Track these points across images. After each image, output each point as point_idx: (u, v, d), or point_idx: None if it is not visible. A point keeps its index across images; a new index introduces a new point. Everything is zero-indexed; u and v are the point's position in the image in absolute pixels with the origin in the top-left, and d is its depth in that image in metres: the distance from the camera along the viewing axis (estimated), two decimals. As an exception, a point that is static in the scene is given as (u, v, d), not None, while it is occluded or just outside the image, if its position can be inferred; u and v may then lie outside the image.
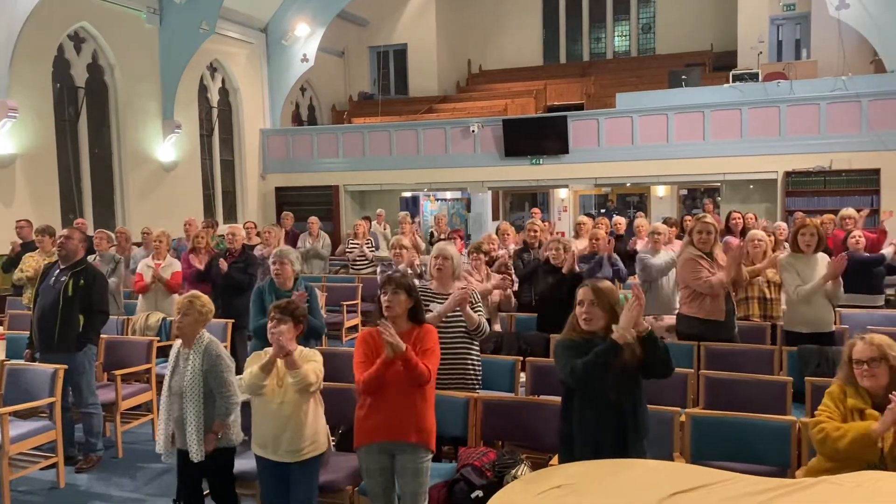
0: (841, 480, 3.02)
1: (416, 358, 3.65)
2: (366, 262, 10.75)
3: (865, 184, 12.53)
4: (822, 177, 12.77)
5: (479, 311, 4.83)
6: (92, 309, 5.74)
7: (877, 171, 12.43)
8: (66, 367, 5.49)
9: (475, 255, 6.68)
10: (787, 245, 6.98)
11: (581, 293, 3.47)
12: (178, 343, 4.34)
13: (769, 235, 7.34)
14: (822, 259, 5.80)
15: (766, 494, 2.90)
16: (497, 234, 9.33)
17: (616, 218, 10.01)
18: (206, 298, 4.37)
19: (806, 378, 4.87)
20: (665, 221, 8.81)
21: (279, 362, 3.83)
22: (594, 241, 7.65)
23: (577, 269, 6.53)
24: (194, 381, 4.11)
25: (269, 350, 3.92)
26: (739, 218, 9.11)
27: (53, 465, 5.44)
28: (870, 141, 12.49)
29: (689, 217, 10.55)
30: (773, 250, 6.75)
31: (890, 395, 3.28)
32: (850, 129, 12.67)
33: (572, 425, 3.49)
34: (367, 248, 10.77)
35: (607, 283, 3.56)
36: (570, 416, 3.50)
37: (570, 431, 3.49)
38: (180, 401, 4.12)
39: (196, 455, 4.05)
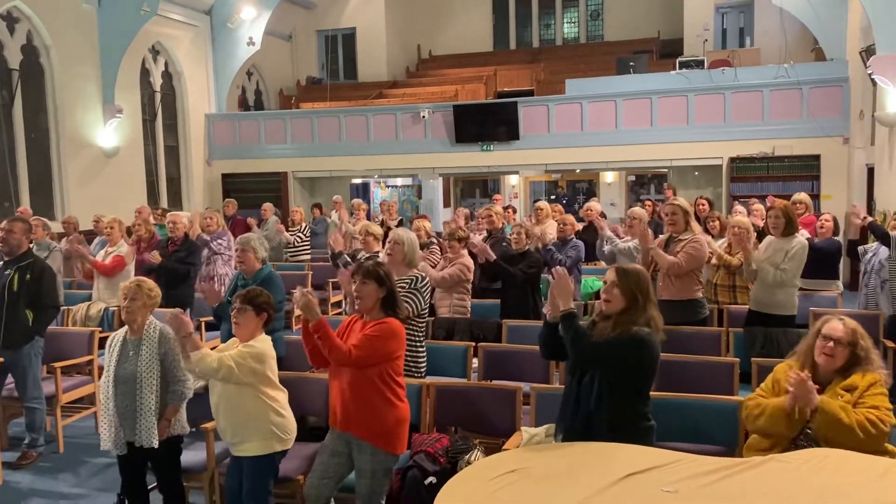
0: (788, 458, 3.08)
1: (332, 333, 3.51)
2: (294, 249, 10.89)
3: (807, 169, 12.85)
4: (766, 162, 13.06)
5: (411, 295, 4.70)
6: (42, 303, 5.54)
7: (817, 157, 12.76)
8: (1, 361, 5.31)
9: (451, 243, 6.50)
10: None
11: (606, 274, 3.45)
12: (121, 331, 4.23)
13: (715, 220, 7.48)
14: (798, 242, 5.71)
15: (718, 474, 2.95)
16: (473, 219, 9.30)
17: (588, 203, 9.96)
18: (152, 283, 4.31)
19: (752, 359, 4.93)
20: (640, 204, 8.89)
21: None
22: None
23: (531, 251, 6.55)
24: (150, 366, 4.05)
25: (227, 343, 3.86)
26: (705, 204, 9.16)
27: (-10, 463, 5.27)
28: (811, 127, 12.81)
29: (647, 202, 10.60)
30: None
31: (790, 373, 3.36)
32: (791, 115, 12.97)
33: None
34: (302, 235, 10.92)
35: (635, 267, 3.51)
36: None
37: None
38: (132, 389, 4.03)
39: (154, 441, 3.98)
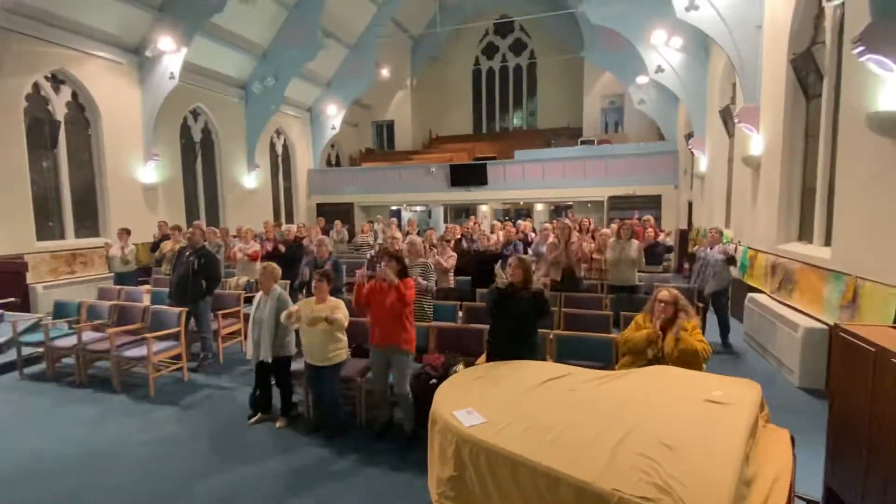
0: (641, 371, 3.06)
1: (403, 288, 3.61)
2: (367, 247, 10.70)
3: (653, 203, 12.71)
4: (629, 199, 12.93)
5: (432, 277, 4.74)
6: (210, 276, 5.50)
7: (659, 196, 12.65)
8: (187, 309, 5.25)
9: (441, 242, 6.48)
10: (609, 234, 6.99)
11: (511, 261, 3.42)
12: (259, 293, 4.20)
13: (589, 230, 7.37)
14: (634, 243, 5.83)
15: (602, 380, 2.92)
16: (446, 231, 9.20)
17: (520, 222, 9.89)
18: (274, 265, 4.23)
19: (620, 312, 4.94)
20: (550, 222, 8.76)
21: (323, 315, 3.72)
22: (516, 231, 7.62)
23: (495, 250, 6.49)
24: (270, 314, 4.01)
25: (310, 301, 3.81)
26: (587, 221, 9.12)
27: (180, 369, 5.21)
28: (655, 178, 12.68)
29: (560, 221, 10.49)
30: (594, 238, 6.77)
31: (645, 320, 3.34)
32: (645, 172, 12.81)
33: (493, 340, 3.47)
34: (369, 239, 10.70)
35: (525, 257, 3.51)
36: (493, 334, 3.47)
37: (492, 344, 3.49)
38: (260, 327, 3.99)
39: (267, 357, 3.93)
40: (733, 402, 2.52)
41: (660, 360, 3.28)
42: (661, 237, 8.24)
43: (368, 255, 6.80)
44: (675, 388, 2.76)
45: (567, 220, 6.03)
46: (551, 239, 6.13)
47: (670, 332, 3.31)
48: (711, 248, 6.08)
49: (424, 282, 4.68)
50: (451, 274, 6.44)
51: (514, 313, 3.34)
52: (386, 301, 3.66)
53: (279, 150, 15.43)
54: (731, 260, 5.94)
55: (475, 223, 10.39)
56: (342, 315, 3.76)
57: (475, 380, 2.98)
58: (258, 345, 4.03)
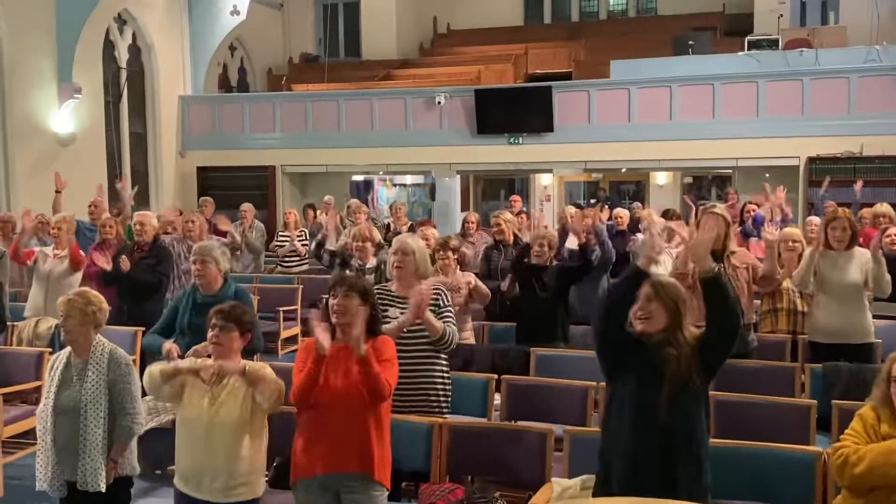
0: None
1: (378, 366, 3.64)
2: (297, 258, 10.97)
3: (902, 173, 12.70)
4: (852, 164, 12.90)
5: (448, 316, 4.78)
6: None
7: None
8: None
9: (442, 253, 6.49)
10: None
11: (642, 288, 3.49)
12: (65, 352, 4.29)
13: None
14: (861, 256, 5.87)
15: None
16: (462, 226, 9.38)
17: (617, 210, 9.96)
18: (92, 295, 4.30)
19: (833, 401, 4.90)
20: (665, 214, 8.82)
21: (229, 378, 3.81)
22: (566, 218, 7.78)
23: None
24: (97, 394, 4.08)
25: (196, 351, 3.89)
26: (753, 211, 9.19)
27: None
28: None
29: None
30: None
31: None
32: (884, 107, 12.84)
33: (609, 435, 3.51)
34: (300, 241, 10.88)
35: (669, 279, 3.57)
36: (608, 421, 3.52)
37: (607, 444, 3.53)
38: (75, 420, 4.06)
39: (99, 484, 4.00)
40: None
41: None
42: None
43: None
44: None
45: (719, 208, 6.01)
46: (677, 249, 6.16)
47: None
48: None
49: (449, 326, 4.75)
50: (468, 319, 6.49)
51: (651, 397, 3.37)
52: (336, 383, 3.73)
53: (123, 56, 15.71)
54: None
55: (521, 216, 10.45)
56: (271, 375, 3.83)
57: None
58: (66, 459, 4.05)
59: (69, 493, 4.12)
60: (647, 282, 3.48)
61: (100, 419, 4.06)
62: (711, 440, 4.12)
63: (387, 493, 3.85)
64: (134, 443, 4.22)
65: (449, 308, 4.88)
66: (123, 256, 7.18)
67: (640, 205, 13.46)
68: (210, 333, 3.86)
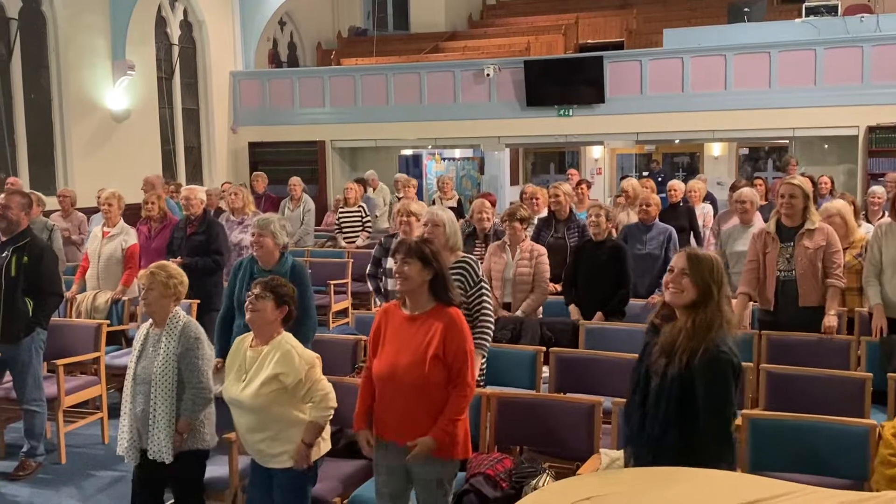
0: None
1: (449, 426, 3.62)
2: (356, 231, 11.02)
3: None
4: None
5: (481, 294, 4.81)
6: (42, 291, 5.64)
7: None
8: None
9: (510, 224, 6.47)
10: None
11: (674, 260, 3.46)
12: (147, 324, 4.37)
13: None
14: None
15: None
16: (522, 199, 9.28)
17: (672, 182, 9.84)
18: (174, 269, 4.35)
19: (889, 375, 4.88)
20: (733, 187, 8.65)
21: None
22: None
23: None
24: (167, 367, 4.15)
25: (243, 342, 3.97)
26: (828, 183, 8.95)
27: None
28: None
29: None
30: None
31: None
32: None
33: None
34: (358, 216, 10.98)
35: (708, 254, 3.48)
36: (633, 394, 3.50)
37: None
38: (148, 391, 4.14)
39: (165, 455, 4.09)
40: None
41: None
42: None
43: (379, 243, 6.86)
44: None
45: (789, 180, 5.90)
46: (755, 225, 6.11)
47: None
48: None
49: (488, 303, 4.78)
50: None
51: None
52: (401, 359, 3.70)
53: (175, 33, 15.90)
54: None
55: (582, 187, 10.37)
56: (323, 420, 3.89)
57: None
58: (140, 430, 4.19)
59: (142, 461, 4.20)
60: (684, 252, 3.44)
61: (168, 392, 4.13)
62: (764, 412, 4.09)
63: (457, 464, 3.85)
64: (208, 415, 4.26)
65: (481, 283, 4.88)
66: (179, 258, 7.13)
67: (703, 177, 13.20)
68: (247, 301, 3.93)
